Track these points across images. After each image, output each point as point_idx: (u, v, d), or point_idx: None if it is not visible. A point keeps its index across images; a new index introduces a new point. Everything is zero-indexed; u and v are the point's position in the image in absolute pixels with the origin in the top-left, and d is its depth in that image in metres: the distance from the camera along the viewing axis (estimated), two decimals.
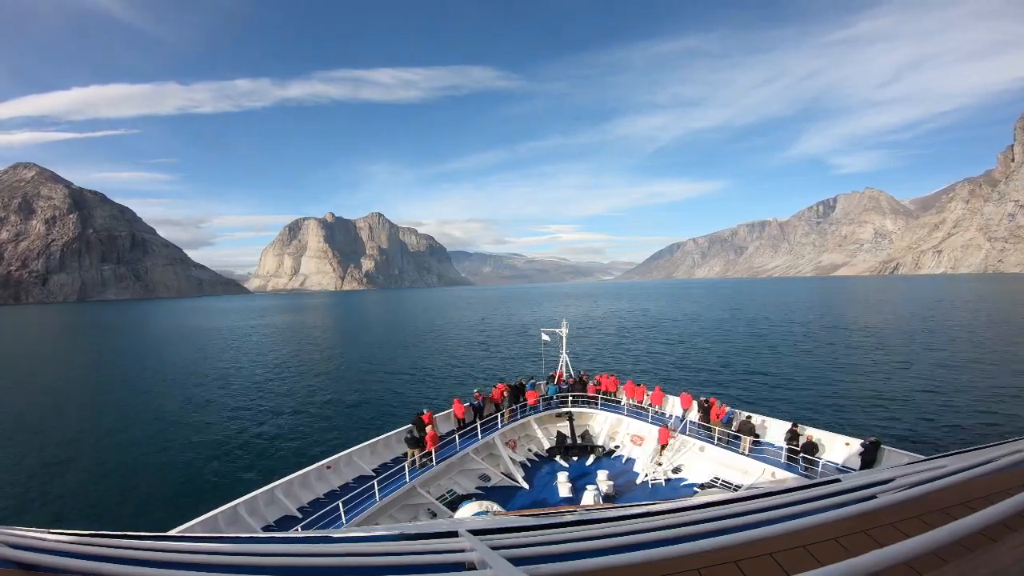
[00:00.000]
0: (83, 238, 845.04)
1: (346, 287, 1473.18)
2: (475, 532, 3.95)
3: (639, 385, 24.47)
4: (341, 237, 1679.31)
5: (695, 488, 17.94)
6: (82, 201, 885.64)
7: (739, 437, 18.44)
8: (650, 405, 22.83)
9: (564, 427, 23.03)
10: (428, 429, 17.66)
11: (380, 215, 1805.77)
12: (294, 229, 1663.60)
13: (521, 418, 22.11)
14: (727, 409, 20.01)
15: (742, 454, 17.98)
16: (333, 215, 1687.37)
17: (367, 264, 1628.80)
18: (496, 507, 14.94)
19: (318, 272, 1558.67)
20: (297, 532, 12.41)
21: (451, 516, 15.17)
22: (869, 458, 15.66)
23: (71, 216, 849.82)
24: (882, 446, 15.88)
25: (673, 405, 23.08)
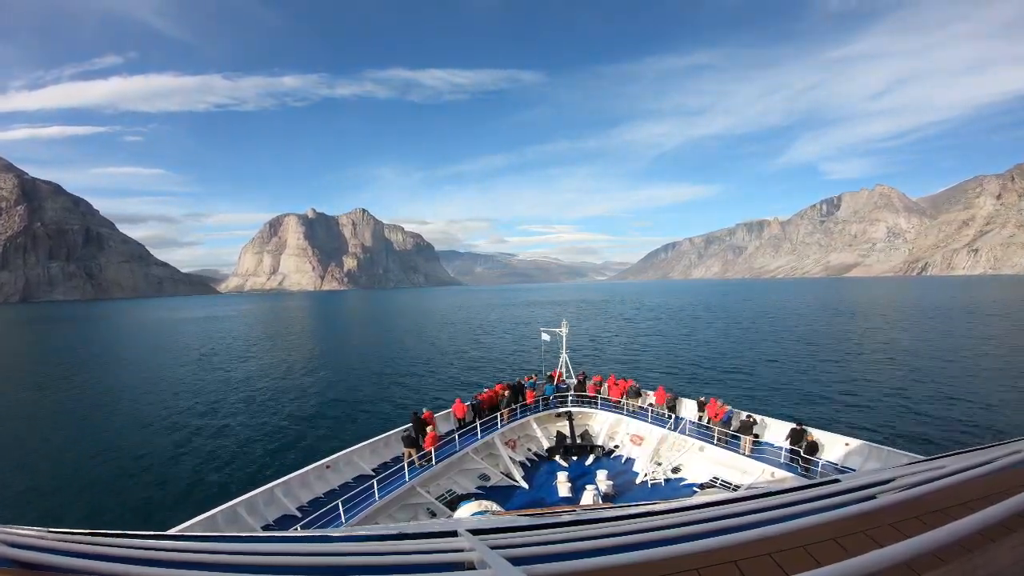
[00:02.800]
0: (29, 232, 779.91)
1: (326, 287, 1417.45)
2: (474, 532, 4.00)
3: (639, 384, 25.08)
4: (323, 234, 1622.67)
5: (694, 488, 18.36)
6: (33, 192, 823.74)
7: (739, 437, 18.85)
8: (651, 405, 23.22)
9: (564, 427, 23.51)
10: (428, 429, 18.14)
11: (364, 211, 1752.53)
12: (275, 226, 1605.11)
13: (521, 418, 22.58)
14: (727, 408, 20.36)
15: (742, 454, 18.44)
16: (315, 211, 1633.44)
17: (349, 263, 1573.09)
18: (495, 507, 15.22)
19: (297, 271, 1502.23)
20: (296, 531, 12.63)
21: (450, 516, 15.47)
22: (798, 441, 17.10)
23: (19, 208, 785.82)
24: (807, 429, 17.44)
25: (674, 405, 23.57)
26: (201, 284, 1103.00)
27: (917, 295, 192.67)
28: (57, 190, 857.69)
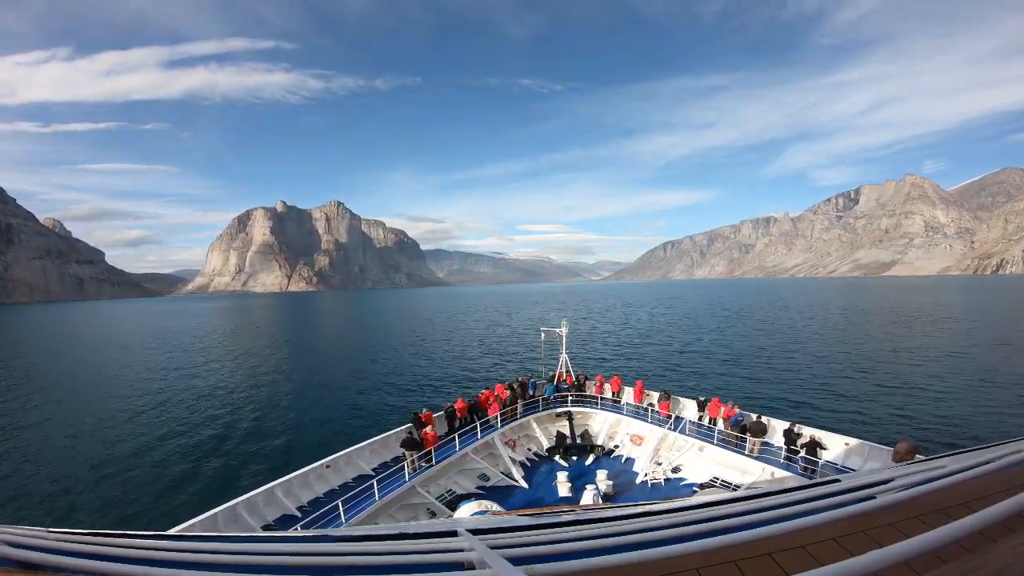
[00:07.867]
0: None
1: (293, 288, 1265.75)
2: (474, 531, 4.06)
3: (641, 385, 26.04)
4: (293, 230, 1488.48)
5: (694, 488, 18.84)
6: None
7: (744, 439, 19.29)
8: (651, 406, 23.94)
9: (564, 427, 24.16)
10: (428, 429, 18.82)
11: (339, 204, 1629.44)
12: (243, 220, 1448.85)
13: (521, 418, 23.33)
14: (737, 411, 21.03)
15: (749, 455, 18.81)
16: (285, 204, 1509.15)
17: (321, 261, 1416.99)
18: (495, 507, 15.64)
19: (263, 270, 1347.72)
20: (296, 531, 12.87)
21: (450, 515, 15.97)
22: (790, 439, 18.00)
23: None
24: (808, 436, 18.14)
25: (680, 406, 24.33)
26: (133, 286, 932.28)
27: None
28: None
